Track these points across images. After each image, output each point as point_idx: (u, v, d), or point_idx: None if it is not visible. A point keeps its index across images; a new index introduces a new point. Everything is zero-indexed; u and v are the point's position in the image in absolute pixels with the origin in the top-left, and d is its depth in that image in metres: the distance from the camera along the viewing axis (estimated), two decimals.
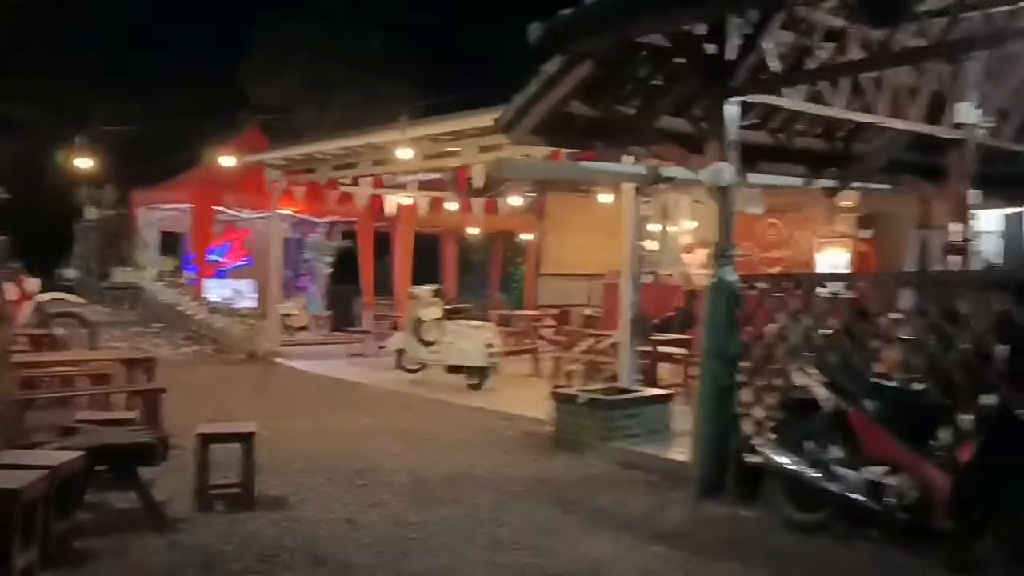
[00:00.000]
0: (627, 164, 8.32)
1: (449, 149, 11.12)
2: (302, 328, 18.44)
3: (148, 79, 21.67)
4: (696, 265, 16.12)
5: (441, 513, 6.00)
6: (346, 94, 22.26)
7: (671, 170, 8.16)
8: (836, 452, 5.33)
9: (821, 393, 5.43)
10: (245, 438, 5.93)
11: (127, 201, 18.55)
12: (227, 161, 14.57)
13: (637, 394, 7.87)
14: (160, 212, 18.20)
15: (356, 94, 22.10)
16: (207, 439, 5.86)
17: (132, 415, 6.57)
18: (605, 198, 18.54)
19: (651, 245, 16.97)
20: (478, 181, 10.64)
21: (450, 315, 11.99)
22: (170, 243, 18.68)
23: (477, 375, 11.32)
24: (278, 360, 14.13)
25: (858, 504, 5.11)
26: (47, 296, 11.82)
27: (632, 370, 8.33)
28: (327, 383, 12.13)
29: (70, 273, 19.39)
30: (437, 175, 11.85)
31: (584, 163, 7.80)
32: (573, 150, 8.60)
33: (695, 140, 7.72)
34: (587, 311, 17.92)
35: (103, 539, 5.23)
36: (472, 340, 11.27)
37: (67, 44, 22.20)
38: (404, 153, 9.97)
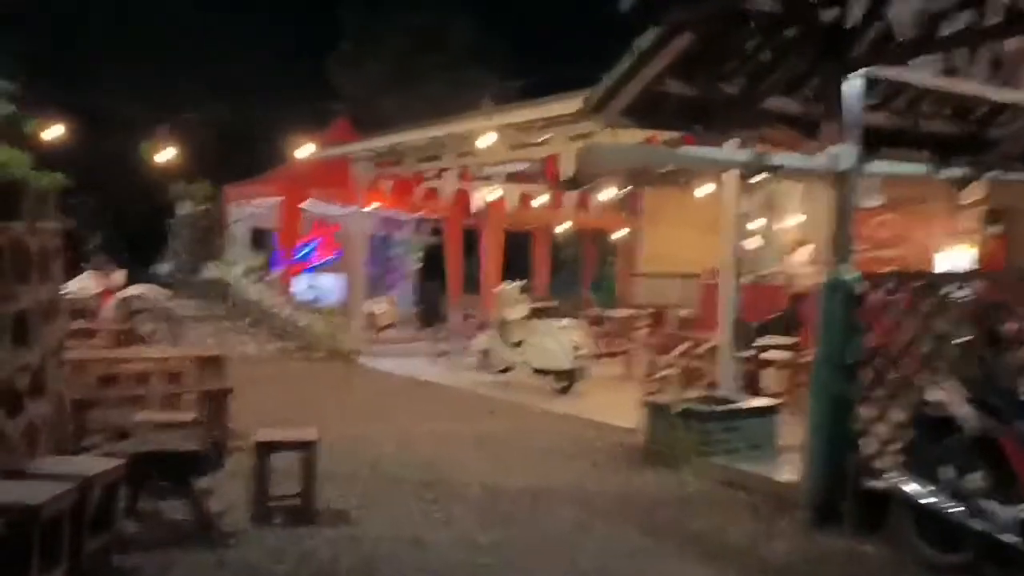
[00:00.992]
0: (729, 150, 7.55)
1: (537, 140, 10.53)
2: (389, 326, 18.13)
3: (237, 72, 21.76)
4: (799, 264, 15.11)
5: (515, 533, 5.40)
6: (432, 84, 21.90)
7: (779, 157, 7.35)
8: (981, 482, 4.50)
9: (963, 412, 4.60)
10: (306, 447, 5.45)
11: (219, 196, 18.57)
12: (308, 152, 14.29)
13: (738, 404, 7.09)
14: (250, 207, 18.14)
15: (442, 84, 21.73)
16: (265, 448, 5.39)
17: (193, 417, 6.16)
18: (704, 191, 17.73)
19: (753, 242, 16.07)
20: (568, 171, 9.99)
21: (537, 314, 11.38)
22: (260, 239, 18.62)
23: (564, 378, 10.69)
24: (360, 359, 13.77)
25: (1010, 546, 4.27)
26: (132, 290, 11.70)
27: (732, 377, 7.56)
28: (407, 384, 11.68)
29: (165, 268, 19.54)
30: (525, 167, 11.27)
31: (681, 149, 7.08)
32: (671, 136, 7.87)
33: (808, 122, 6.93)
34: (683, 312, 17.10)
35: (147, 554, 4.81)
36: (559, 341, 10.64)
37: (157, 38, 22.51)
38: (486, 140, 9.40)
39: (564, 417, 9.23)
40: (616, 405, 9.85)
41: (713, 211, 18.57)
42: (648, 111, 6.78)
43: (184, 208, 18.77)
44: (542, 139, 10.34)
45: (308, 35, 23.73)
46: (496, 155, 11.12)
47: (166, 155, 14.17)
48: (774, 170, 7.34)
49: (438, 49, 22.42)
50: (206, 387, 7.24)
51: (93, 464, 4.46)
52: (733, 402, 7.28)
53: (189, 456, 4.94)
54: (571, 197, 16.29)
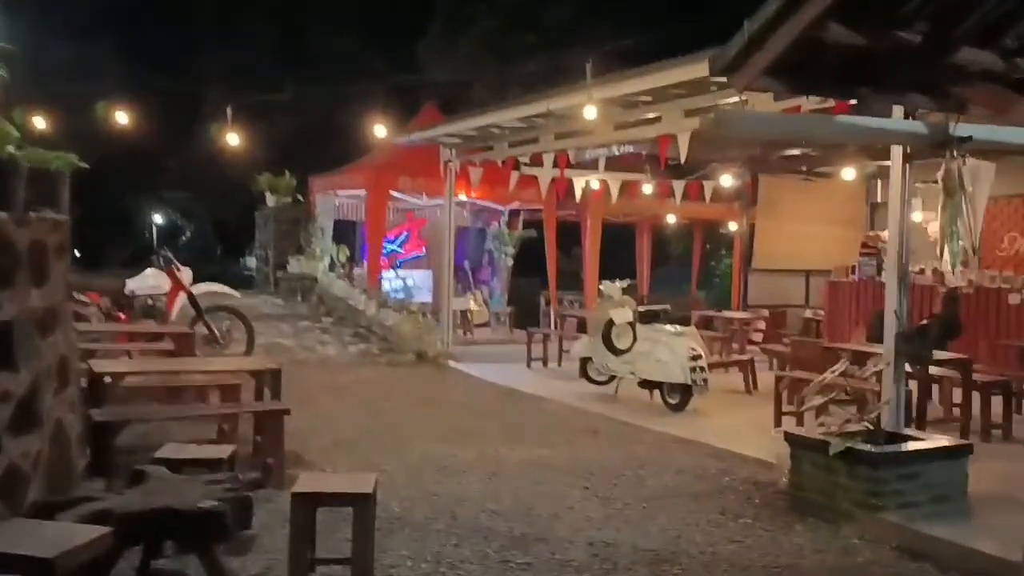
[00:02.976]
0: (897, 121, 5.99)
1: (646, 117, 9.09)
2: (482, 324, 16.99)
3: (327, 57, 20.89)
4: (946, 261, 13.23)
5: None
6: (528, 66, 20.51)
7: (967, 128, 5.76)
8: None
9: None
10: (359, 500, 4.20)
11: (306, 187, 17.72)
12: (396, 140, 13.16)
13: (915, 443, 5.53)
14: (336, 199, 17.22)
15: (538, 65, 20.31)
16: (306, 501, 4.17)
17: (231, 451, 5.00)
18: (835, 179, 15.93)
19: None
20: (682, 153, 8.54)
21: (646, 318, 9.95)
22: (346, 232, 17.68)
23: (678, 393, 9.24)
24: (450, 363, 12.59)
25: None
26: (201, 287, 10.78)
27: (898, 403, 6.00)
28: (500, 394, 10.41)
29: (251, 262, 18.85)
30: (630, 150, 9.85)
31: (840, 118, 5.56)
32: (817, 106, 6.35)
33: (1009, 82, 5.35)
34: (807, 313, 15.38)
35: None
36: (673, 350, 9.19)
37: (245, 24, 21.85)
38: (589, 112, 8.00)
39: (681, 442, 7.79)
40: (740, 428, 8.40)
41: (839, 201, 16.96)
42: (799, 69, 5.27)
43: (271, 200, 17.98)
44: (652, 116, 8.92)
45: (399, 19, 22.75)
46: (599, 136, 9.72)
47: (233, 139, 13.22)
48: (962, 143, 5.76)
49: (532, 28, 20.99)
50: (258, 407, 6.11)
51: (68, 534, 3.30)
52: (902, 438, 5.72)
53: (207, 517, 3.75)
54: (679, 186, 14.78)
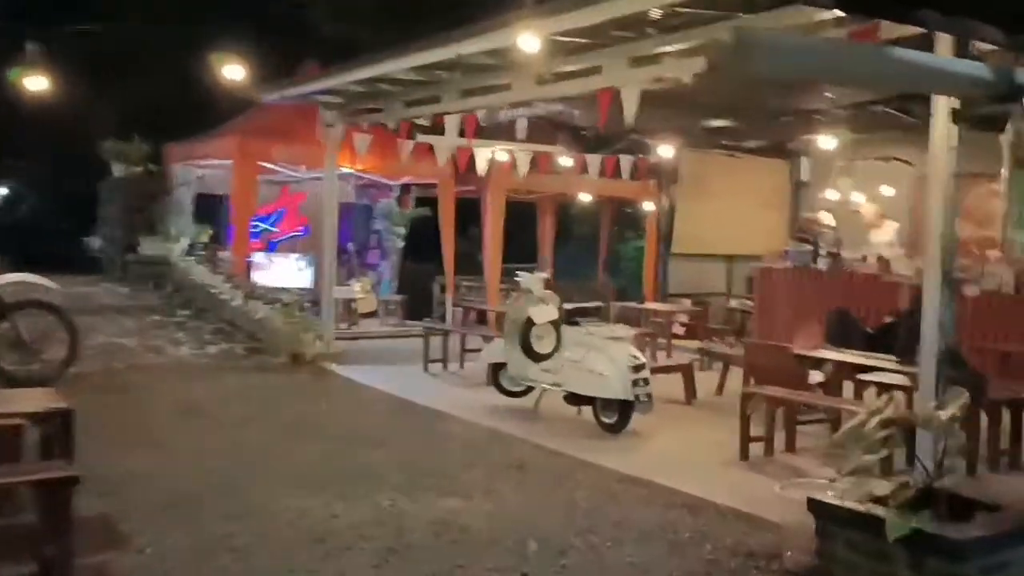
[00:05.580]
0: (952, 60, 4.40)
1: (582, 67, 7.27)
2: (369, 314, 14.95)
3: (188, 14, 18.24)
4: (886, 246, 12.02)
5: None
6: (439, 21, 18.04)
7: None
8: None
9: None
10: None
11: (161, 156, 15.18)
12: (265, 99, 10.94)
13: (990, 516, 3.92)
14: (198, 170, 14.79)
15: (451, 18, 17.85)
16: None
17: None
18: (760, 157, 14.56)
19: (827, 219, 12.97)
20: (628, 113, 6.78)
21: (573, 318, 8.20)
22: (210, 208, 15.25)
23: (615, 411, 7.52)
24: (331, 366, 10.54)
25: None
26: (8, 278, 8.44)
27: (938, 446, 4.39)
28: (394, 410, 8.48)
29: (95, 243, 16.15)
30: (560, 109, 8.00)
31: (893, 50, 3.92)
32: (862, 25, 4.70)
33: None
34: (732, 303, 14.00)
35: None
36: (612, 359, 7.47)
37: None
38: (526, 42, 6.07)
39: (632, 484, 6.06)
40: (698, 458, 6.78)
41: (764, 180, 15.64)
42: None
43: (118, 171, 15.33)
44: (592, 67, 7.11)
45: None
46: (518, 91, 7.85)
47: (38, 83, 10.67)
48: None
49: None
50: (30, 473, 4.02)
51: None
52: (962, 502, 4.10)
53: None
54: (595, 160, 13.09)
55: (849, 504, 3.96)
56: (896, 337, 8.51)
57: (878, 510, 3.85)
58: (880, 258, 11.45)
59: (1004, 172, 4.39)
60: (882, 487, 4.02)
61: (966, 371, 4.77)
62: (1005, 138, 4.39)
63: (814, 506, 4.13)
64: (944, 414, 3.73)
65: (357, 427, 7.65)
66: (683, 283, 14.59)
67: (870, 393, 7.61)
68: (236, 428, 7.43)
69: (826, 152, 13.31)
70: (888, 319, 8.75)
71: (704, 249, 14.53)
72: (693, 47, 6.18)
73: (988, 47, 4.47)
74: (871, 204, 12.56)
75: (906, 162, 12.51)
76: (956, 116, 4.62)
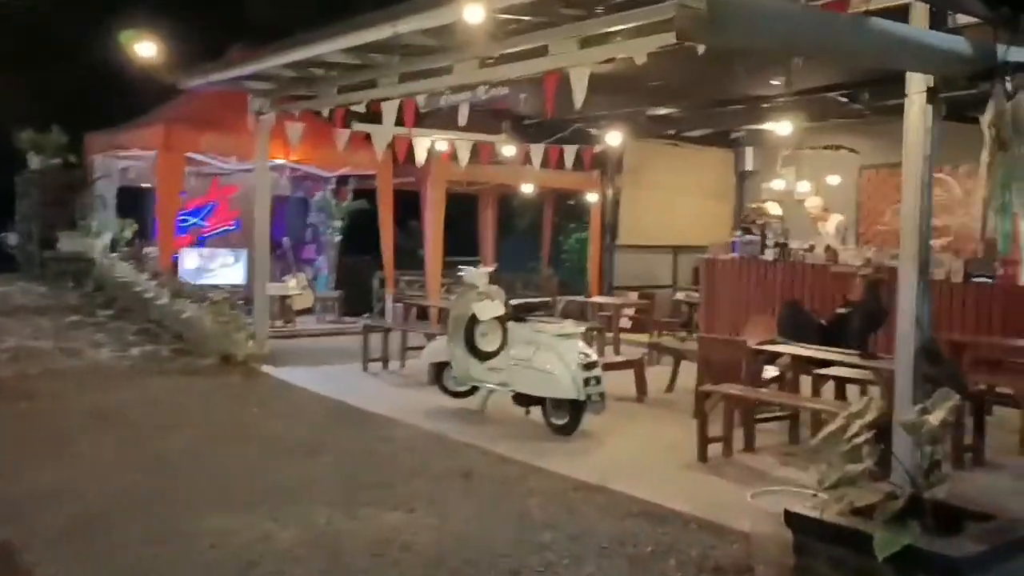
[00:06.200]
0: (931, 33, 4.07)
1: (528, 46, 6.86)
2: (305, 311, 14.36)
3: None
4: (833, 238, 11.87)
5: None
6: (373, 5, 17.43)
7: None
8: None
9: None
10: None
11: (81, 146, 14.34)
12: (191, 84, 10.27)
13: (981, 524, 3.61)
14: (121, 161, 14.01)
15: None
16: None
17: None
18: (703, 146, 14.32)
19: (774, 209, 12.78)
20: (577, 96, 6.39)
21: (520, 314, 7.80)
22: (135, 202, 14.47)
23: (566, 411, 7.15)
24: (264, 367, 9.98)
25: None
26: None
27: (925, 451, 4.10)
28: (331, 414, 7.98)
29: (11, 239, 15.23)
30: (505, 92, 7.57)
31: (873, 20, 3.57)
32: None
33: None
34: (678, 295, 13.76)
35: None
36: (561, 356, 7.08)
37: None
38: (472, 13, 5.61)
39: (588, 491, 5.68)
40: (654, 461, 6.45)
41: (707, 170, 15.42)
42: None
43: (35, 162, 14.45)
44: (535, 47, 6.70)
45: None
46: (460, 75, 7.40)
47: None
48: (1018, 72, 3.92)
49: None
50: None
51: None
52: (949, 510, 3.78)
53: None
54: (538, 150, 12.68)
55: (831, 518, 3.63)
56: (849, 328, 8.34)
57: (864, 524, 3.52)
58: (828, 248, 11.30)
59: (984, 156, 4.09)
60: (863, 497, 3.70)
61: (945, 367, 4.50)
62: (985, 119, 4.11)
63: (791, 519, 3.79)
64: (934, 418, 3.41)
65: (290, 434, 7.13)
66: (628, 275, 14.32)
67: (829, 388, 7.40)
68: (157, 438, 6.86)
69: (771, 141, 13.14)
70: (841, 310, 8.53)
71: (649, 240, 14.28)
72: (646, 24, 5.81)
73: (964, 22, 4.18)
74: (816, 197, 12.42)
75: (852, 150, 12.39)
76: (931, 96, 4.32)
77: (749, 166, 14.58)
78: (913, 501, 3.52)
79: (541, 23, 6.44)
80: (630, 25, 6.03)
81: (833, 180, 12.71)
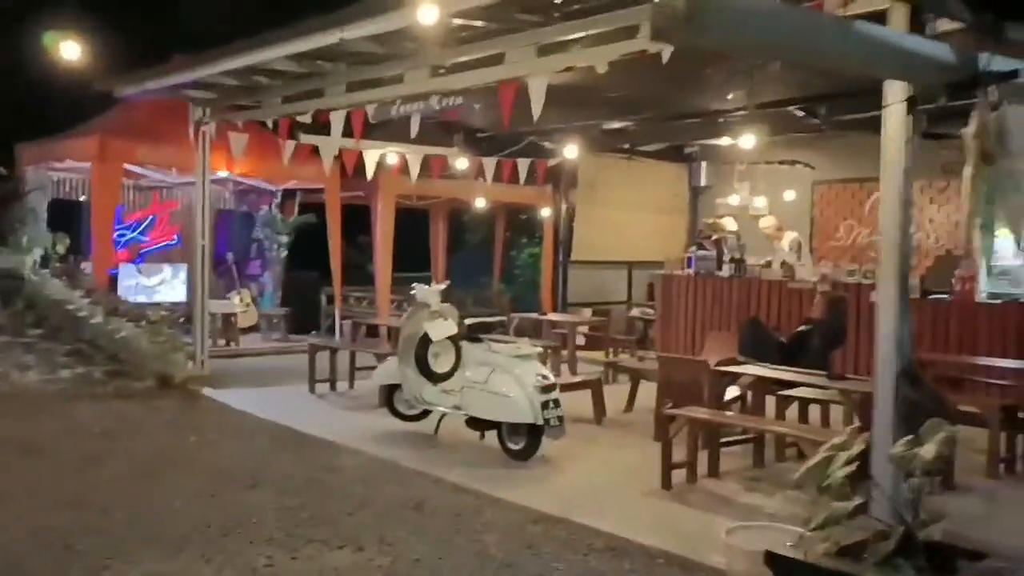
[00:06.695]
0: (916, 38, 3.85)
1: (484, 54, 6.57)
2: (250, 329, 13.86)
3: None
4: (788, 252, 11.76)
5: None
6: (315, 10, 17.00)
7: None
8: None
9: None
10: None
11: (12, 157, 13.69)
12: (127, 92, 9.78)
13: (984, 566, 3.36)
14: (55, 172, 13.39)
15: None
16: None
17: None
18: (657, 160, 14.13)
19: (729, 224, 12.63)
20: (535, 106, 6.11)
21: (475, 333, 7.47)
22: (68, 215, 13.84)
23: (523, 436, 6.82)
24: (204, 390, 9.50)
25: None
26: None
27: (915, 486, 3.83)
28: (276, 441, 7.54)
29: None
30: (459, 101, 7.25)
31: (856, 23, 3.34)
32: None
33: None
34: (634, 312, 13.55)
35: None
36: (518, 379, 6.76)
37: None
38: (426, 14, 5.27)
39: (549, 524, 5.35)
40: (617, 487, 6.15)
41: (662, 185, 15.25)
42: None
43: None
44: (492, 54, 6.41)
45: None
46: (411, 83, 7.06)
47: None
48: (1000, 81, 3.70)
49: None
50: None
51: None
52: (943, 550, 3.53)
53: None
54: (491, 163, 12.41)
55: (816, 559, 3.35)
56: (810, 346, 8.15)
57: (852, 567, 3.25)
58: (784, 264, 11.18)
59: (968, 170, 3.89)
60: (849, 534, 3.44)
61: (927, 391, 4.28)
62: (968, 131, 3.91)
63: (773, 561, 3.51)
64: (926, 451, 3.15)
65: (230, 463, 6.70)
66: (582, 292, 14.08)
67: (792, 408, 7.20)
68: (82, 470, 6.37)
69: (726, 155, 13.03)
70: (801, 328, 8.35)
71: (603, 256, 14.05)
72: (607, 32, 5.55)
73: (943, 31, 3.98)
74: (770, 217, 12.31)
75: (807, 165, 12.32)
76: (913, 104, 4.10)
77: (704, 181, 14.46)
78: (906, 540, 3.26)
79: (496, 29, 6.13)
80: (590, 32, 5.76)
81: (788, 195, 12.62)
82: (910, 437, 3.27)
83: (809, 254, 12.43)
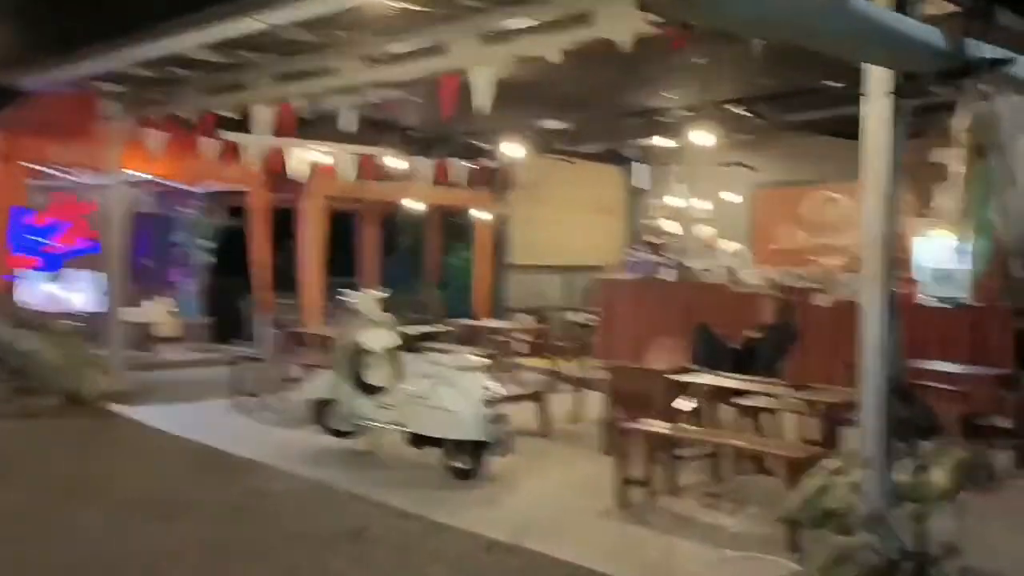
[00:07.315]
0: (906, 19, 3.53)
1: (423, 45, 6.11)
2: (171, 339, 13.10)
3: None
4: (732, 258, 11.55)
5: None
6: None
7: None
8: None
9: None
10: None
11: None
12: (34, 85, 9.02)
13: None
14: None
15: None
16: None
17: None
18: (594, 162, 13.84)
19: (671, 227, 12.41)
20: (482, 99, 5.67)
21: (415, 344, 6.99)
22: None
23: (468, 454, 6.37)
24: (118, 407, 8.81)
25: None
26: None
27: (883, 488, 3.48)
28: (197, 464, 6.94)
29: None
30: (397, 94, 6.77)
31: (853, 2, 3.02)
32: None
33: None
34: (576, 317, 13.18)
35: None
36: (463, 393, 6.31)
37: None
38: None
39: (502, 552, 4.91)
40: (570, 508, 5.76)
41: (600, 187, 14.98)
42: None
43: None
44: (432, 46, 5.95)
45: None
46: (346, 75, 6.56)
47: None
48: (995, 68, 3.41)
49: None
50: None
51: None
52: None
53: None
54: (427, 165, 11.94)
55: None
56: (762, 353, 7.90)
57: None
58: (728, 268, 10.98)
59: (958, 167, 3.59)
60: (851, 568, 3.09)
61: (919, 408, 3.97)
62: (959, 125, 3.62)
63: None
64: (937, 477, 2.82)
65: (145, 490, 6.09)
66: (520, 297, 13.70)
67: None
68: None
69: (665, 157, 12.82)
70: (752, 334, 8.08)
71: (541, 259, 13.71)
72: (559, 20, 5.16)
73: (932, 13, 3.68)
74: (708, 227, 12.12)
75: (748, 167, 12.16)
76: (900, 94, 3.78)
77: (641, 183, 14.24)
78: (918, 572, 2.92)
79: (439, 15, 5.68)
80: (538, 21, 5.36)
81: (728, 196, 12.45)
82: (918, 462, 2.93)
83: (749, 260, 12.29)
